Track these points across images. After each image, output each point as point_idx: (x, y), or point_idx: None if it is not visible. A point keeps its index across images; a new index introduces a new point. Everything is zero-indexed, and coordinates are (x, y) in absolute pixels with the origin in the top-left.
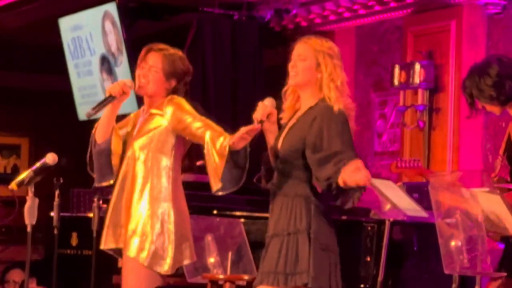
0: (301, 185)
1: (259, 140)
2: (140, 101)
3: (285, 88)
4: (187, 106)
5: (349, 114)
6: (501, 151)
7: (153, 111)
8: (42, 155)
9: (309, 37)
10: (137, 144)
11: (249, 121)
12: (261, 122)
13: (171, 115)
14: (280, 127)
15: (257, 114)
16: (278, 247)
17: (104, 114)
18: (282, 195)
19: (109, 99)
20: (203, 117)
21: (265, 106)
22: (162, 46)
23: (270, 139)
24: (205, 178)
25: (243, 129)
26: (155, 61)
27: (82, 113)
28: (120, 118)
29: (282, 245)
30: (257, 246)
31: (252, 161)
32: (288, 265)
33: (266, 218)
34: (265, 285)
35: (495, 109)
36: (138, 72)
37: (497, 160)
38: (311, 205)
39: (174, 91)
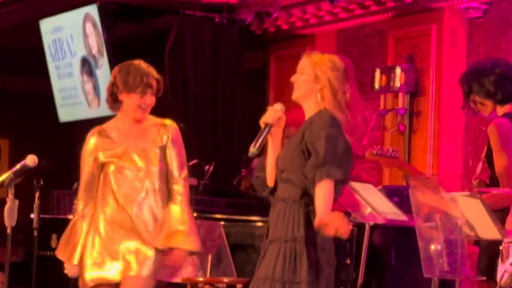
0: (299, 191)
1: (243, 143)
2: None
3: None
4: None
5: (343, 126)
6: (483, 155)
7: None
8: (22, 157)
9: (311, 52)
10: None
11: (229, 123)
12: (270, 126)
13: None
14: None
15: (268, 117)
16: (275, 254)
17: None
18: (281, 200)
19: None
20: None
21: (275, 110)
22: None
23: (274, 145)
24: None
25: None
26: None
27: (63, 115)
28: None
29: (279, 252)
30: (237, 248)
31: (233, 165)
32: (286, 273)
33: (246, 221)
34: None
35: (487, 105)
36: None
37: (479, 164)
38: (311, 213)
39: None
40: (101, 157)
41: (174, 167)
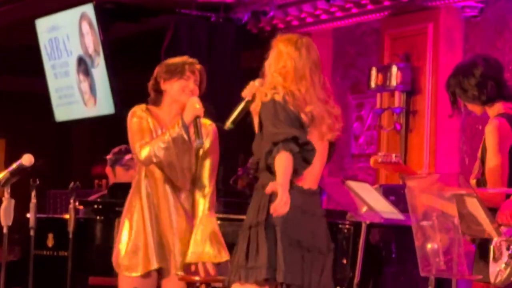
0: (265, 175)
1: (237, 144)
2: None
3: None
4: None
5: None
6: (479, 154)
7: None
8: (19, 156)
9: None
10: None
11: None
12: (246, 101)
13: None
14: None
15: (246, 92)
16: (241, 242)
17: None
18: (255, 188)
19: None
20: None
21: (253, 85)
22: None
23: (255, 122)
24: None
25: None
26: None
27: (59, 114)
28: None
29: (244, 239)
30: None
31: (229, 164)
32: (250, 259)
33: (243, 220)
34: (236, 282)
35: (476, 109)
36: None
37: (476, 163)
38: (272, 194)
39: None
40: None
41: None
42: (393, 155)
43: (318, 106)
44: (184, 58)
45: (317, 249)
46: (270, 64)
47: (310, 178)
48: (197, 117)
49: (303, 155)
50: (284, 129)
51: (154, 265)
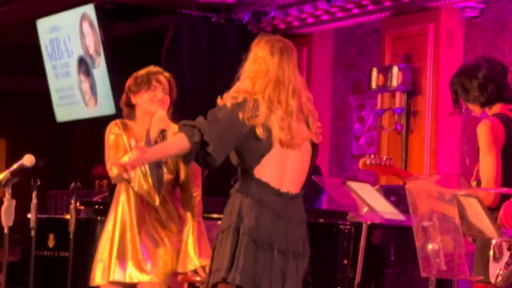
0: (241, 181)
1: None
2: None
3: None
4: None
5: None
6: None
7: None
8: (20, 157)
9: None
10: None
11: None
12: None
13: None
14: None
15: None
16: (215, 247)
17: None
18: (230, 193)
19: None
20: None
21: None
22: None
23: None
24: None
25: None
26: None
27: (60, 114)
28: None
29: (216, 244)
30: None
31: (230, 164)
32: (215, 262)
33: None
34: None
35: (476, 109)
36: None
37: (477, 164)
38: (244, 198)
39: None
40: None
41: None
42: (384, 158)
43: (277, 114)
44: (149, 69)
45: (291, 252)
46: (246, 68)
47: (288, 182)
48: (162, 131)
49: (203, 153)
50: (205, 121)
51: (112, 277)
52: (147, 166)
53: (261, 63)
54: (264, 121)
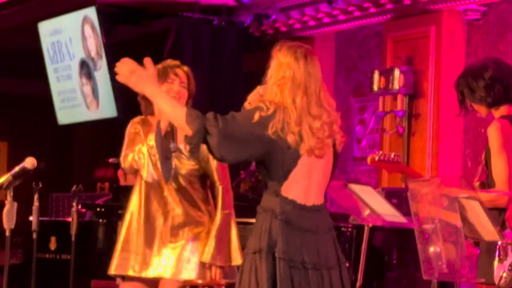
0: (267, 197)
1: None
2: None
3: None
4: None
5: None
6: (482, 156)
7: None
8: (21, 160)
9: None
10: None
11: None
12: None
13: None
14: None
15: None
16: (245, 268)
17: None
18: (257, 211)
19: None
20: None
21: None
22: None
23: None
24: None
25: None
26: None
27: (62, 117)
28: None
29: (244, 265)
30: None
31: (232, 167)
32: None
33: (245, 223)
34: None
35: (481, 110)
36: None
37: (480, 166)
38: (273, 219)
39: None
40: None
41: None
42: (392, 154)
43: (308, 122)
44: (167, 62)
45: (323, 266)
46: (271, 76)
47: (314, 193)
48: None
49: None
50: (221, 117)
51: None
52: (157, 156)
53: (285, 69)
54: (295, 130)
